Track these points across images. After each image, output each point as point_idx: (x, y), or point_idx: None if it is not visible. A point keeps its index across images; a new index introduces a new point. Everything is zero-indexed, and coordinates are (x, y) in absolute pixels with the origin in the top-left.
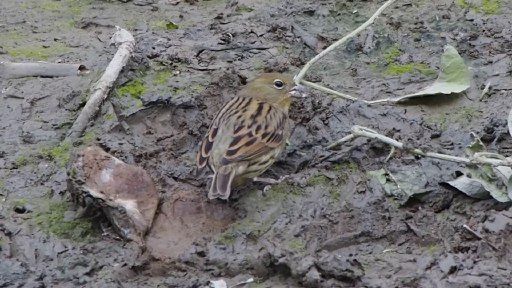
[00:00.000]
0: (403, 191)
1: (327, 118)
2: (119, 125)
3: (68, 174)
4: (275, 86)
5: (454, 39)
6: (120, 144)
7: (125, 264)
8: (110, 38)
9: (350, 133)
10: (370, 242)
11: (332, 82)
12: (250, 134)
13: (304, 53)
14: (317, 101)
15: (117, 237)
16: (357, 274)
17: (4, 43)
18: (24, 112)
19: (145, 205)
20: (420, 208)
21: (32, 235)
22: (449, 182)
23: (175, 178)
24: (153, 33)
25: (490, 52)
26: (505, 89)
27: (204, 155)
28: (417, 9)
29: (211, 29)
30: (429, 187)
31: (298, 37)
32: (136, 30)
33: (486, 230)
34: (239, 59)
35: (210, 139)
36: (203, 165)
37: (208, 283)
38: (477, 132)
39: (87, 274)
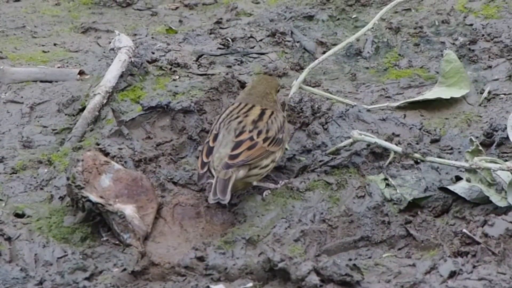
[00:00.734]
0: (402, 196)
1: (326, 123)
2: (119, 130)
3: (68, 179)
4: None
5: (453, 43)
6: (120, 149)
7: (125, 269)
8: (110, 43)
9: (349, 138)
10: (369, 247)
11: (331, 87)
12: (251, 139)
13: (304, 58)
14: (317, 106)
15: (117, 242)
16: (357, 279)
17: (3, 48)
18: (23, 117)
19: (144, 210)
20: (419, 212)
21: (32, 240)
22: (449, 187)
23: (175, 183)
24: (152, 38)
25: (489, 56)
26: (505, 94)
27: (205, 160)
28: (416, 14)
29: (210, 34)
30: (429, 191)
31: (298, 42)
32: (135, 35)
33: (486, 235)
34: (238, 64)
35: (211, 144)
36: (205, 170)
37: None
38: (477, 137)
39: (87, 279)
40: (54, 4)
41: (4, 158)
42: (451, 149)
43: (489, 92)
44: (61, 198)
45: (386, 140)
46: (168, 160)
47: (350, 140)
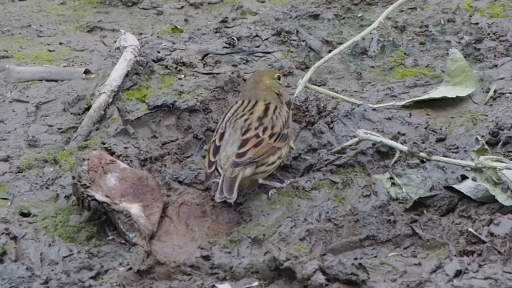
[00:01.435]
0: (408, 195)
1: (332, 122)
2: (124, 129)
3: (73, 178)
4: (278, 80)
5: (459, 42)
6: (125, 148)
7: (130, 268)
8: (115, 42)
9: (355, 137)
10: (375, 246)
11: (337, 85)
12: (257, 136)
13: (309, 57)
14: (322, 105)
15: (122, 241)
16: (362, 278)
17: (9, 47)
18: (29, 116)
19: (150, 209)
20: (425, 211)
21: (38, 239)
22: (454, 186)
23: (180, 182)
24: (158, 37)
25: (495, 55)
26: (510, 93)
27: (212, 159)
28: (422, 13)
29: (216, 33)
30: (434, 190)
31: (303, 40)
32: (141, 34)
33: (491, 234)
34: (244, 63)
35: (217, 143)
36: (212, 169)
37: (213, 287)
38: (482, 136)
39: (93, 278)
40: (59, 3)
41: (10, 157)
42: (457, 148)
43: (494, 91)
44: (67, 197)
45: (391, 139)
46: (174, 159)
47: (356, 139)
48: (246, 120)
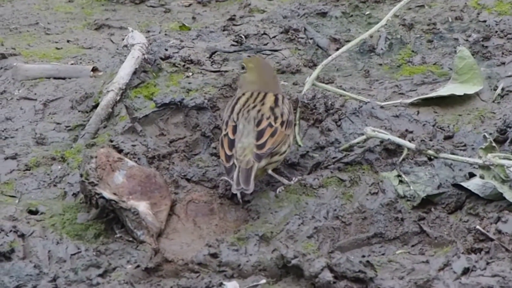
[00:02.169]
0: (415, 192)
1: (339, 119)
2: (132, 127)
3: (81, 175)
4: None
5: (467, 40)
6: (133, 145)
7: (138, 266)
8: (123, 39)
9: (362, 134)
10: (382, 243)
11: (344, 83)
12: (271, 125)
13: (317, 55)
14: (330, 102)
15: (130, 239)
16: (370, 275)
17: (17, 44)
18: (37, 113)
19: (158, 207)
20: (432, 209)
21: (45, 237)
22: (462, 183)
23: (188, 180)
24: (165, 34)
25: (503, 53)
26: None
27: (228, 153)
28: (429, 10)
29: (223, 30)
30: (442, 188)
31: (311, 38)
32: (148, 31)
33: (499, 231)
34: None
35: (231, 137)
36: (231, 163)
37: (221, 284)
38: (490, 133)
39: (100, 275)
40: (67, 1)
41: (18, 155)
42: (465, 145)
43: (502, 89)
44: (75, 195)
45: (399, 137)
46: (182, 157)
47: (364, 137)
48: (259, 111)
